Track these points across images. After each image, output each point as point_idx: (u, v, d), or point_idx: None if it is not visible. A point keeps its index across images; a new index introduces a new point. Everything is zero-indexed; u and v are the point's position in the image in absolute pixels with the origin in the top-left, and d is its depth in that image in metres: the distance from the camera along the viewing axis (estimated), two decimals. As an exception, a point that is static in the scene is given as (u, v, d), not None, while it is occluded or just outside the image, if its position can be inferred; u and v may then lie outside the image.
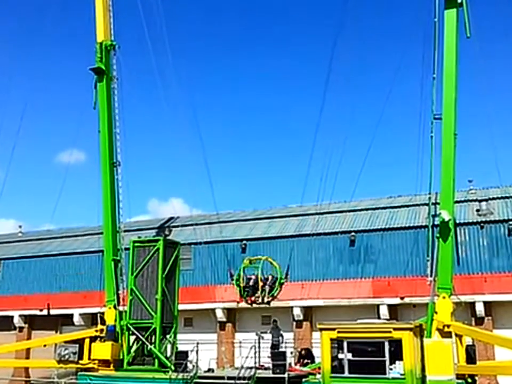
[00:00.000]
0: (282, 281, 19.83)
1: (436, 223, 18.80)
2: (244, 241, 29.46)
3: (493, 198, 26.77)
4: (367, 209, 29.08)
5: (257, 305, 20.14)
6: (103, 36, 23.29)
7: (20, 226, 42.08)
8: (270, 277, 19.86)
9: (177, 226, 32.86)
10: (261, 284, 19.53)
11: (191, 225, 30.86)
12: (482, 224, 25.41)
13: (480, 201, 26.68)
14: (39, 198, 76.04)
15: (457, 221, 23.60)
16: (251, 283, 19.79)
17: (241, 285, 19.98)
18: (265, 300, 19.60)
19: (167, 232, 31.93)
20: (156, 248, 20.74)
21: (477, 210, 26.14)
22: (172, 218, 34.53)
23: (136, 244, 21.23)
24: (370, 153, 22.84)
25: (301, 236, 28.49)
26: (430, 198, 19.31)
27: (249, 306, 28.28)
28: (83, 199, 65.42)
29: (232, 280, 20.25)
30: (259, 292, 19.44)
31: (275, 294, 19.65)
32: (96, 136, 23.29)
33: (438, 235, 17.71)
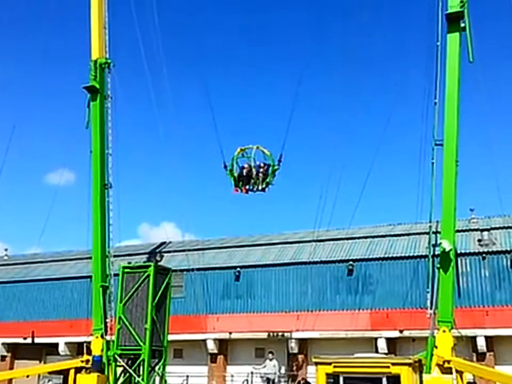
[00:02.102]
0: (275, 167, 20.13)
1: (436, 253, 18.72)
2: (238, 269, 29.25)
3: (495, 228, 26.72)
4: (365, 237, 28.98)
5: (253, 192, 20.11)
6: (97, 53, 23.43)
7: (6, 250, 41.76)
8: (262, 164, 20.01)
9: (169, 251, 32.65)
10: (254, 172, 19.70)
11: (183, 251, 30.67)
12: (484, 255, 25.31)
13: (482, 230, 26.62)
14: (27, 220, 75.61)
15: (458, 251, 23.52)
16: (244, 172, 19.91)
17: (235, 174, 20.11)
18: (260, 187, 19.70)
19: (158, 258, 31.71)
20: (146, 274, 20.53)
21: (479, 240, 26.08)
22: (163, 243, 34.34)
23: (126, 270, 21.02)
24: (370, 178, 22.92)
25: (297, 263, 28.32)
26: (430, 226, 19.26)
27: (242, 337, 28.00)
28: (72, 221, 65.12)
29: (226, 170, 20.34)
30: (253, 181, 19.65)
31: (269, 181, 19.80)
32: (87, 156, 23.32)
33: (438, 265, 17.61)
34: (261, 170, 19.96)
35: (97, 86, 23.06)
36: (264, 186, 19.93)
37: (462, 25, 18.15)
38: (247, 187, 20.01)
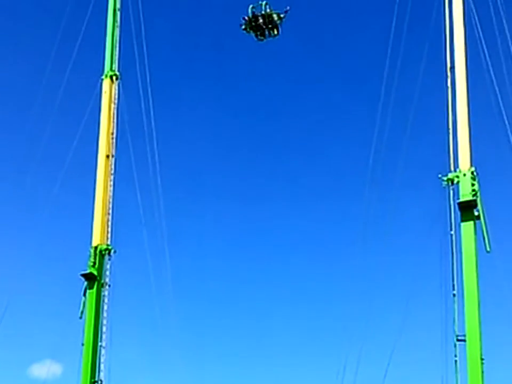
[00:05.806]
0: (281, 15, 25.53)
1: None
2: None
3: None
4: None
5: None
6: (99, 239, 23.44)
7: None
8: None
9: None
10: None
11: None
12: None
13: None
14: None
15: None
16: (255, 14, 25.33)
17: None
18: (265, 12, 25.10)
19: None
20: None
21: None
22: None
23: None
24: (390, 370, 21.70)
25: None
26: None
27: None
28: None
29: (241, 27, 25.44)
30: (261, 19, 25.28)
31: (276, 20, 25.25)
32: (77, 348, 22.49)
33: None
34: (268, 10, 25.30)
35: (96, 274, 22.86)
36: (271, 22, 25.19)
37: (476, 213, 18.26)
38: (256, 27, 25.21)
